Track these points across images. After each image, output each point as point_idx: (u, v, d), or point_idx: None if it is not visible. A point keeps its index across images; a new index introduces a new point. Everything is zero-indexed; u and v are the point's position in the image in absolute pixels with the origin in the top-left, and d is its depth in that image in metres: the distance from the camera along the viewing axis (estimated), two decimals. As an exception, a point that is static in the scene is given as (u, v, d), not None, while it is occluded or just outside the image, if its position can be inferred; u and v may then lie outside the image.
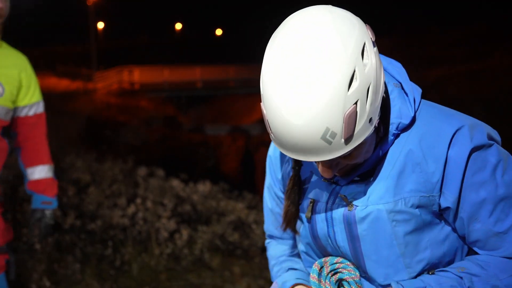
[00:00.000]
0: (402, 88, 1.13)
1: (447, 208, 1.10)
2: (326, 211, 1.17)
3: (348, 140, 0.98)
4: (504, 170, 1.08)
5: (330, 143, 0.98)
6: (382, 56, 1.15)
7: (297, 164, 1.22)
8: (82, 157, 6.34)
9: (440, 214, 1.12)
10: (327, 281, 1.18)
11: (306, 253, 1.28)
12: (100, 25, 28.19)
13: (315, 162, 1.11)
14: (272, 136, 1.04)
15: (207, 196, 5.34)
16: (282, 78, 0.96)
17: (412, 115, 1.11)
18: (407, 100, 1.12)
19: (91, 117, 10.84)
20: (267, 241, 1.48)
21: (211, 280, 4.01)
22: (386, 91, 1.11)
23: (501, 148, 1.11)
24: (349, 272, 1.18)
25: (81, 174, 5.49)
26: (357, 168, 1.12)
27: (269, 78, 0.98)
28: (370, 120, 1.00)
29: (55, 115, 9.27)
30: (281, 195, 1.32)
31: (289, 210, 1.22)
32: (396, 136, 1.11)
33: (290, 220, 1.23)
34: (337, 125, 0.96)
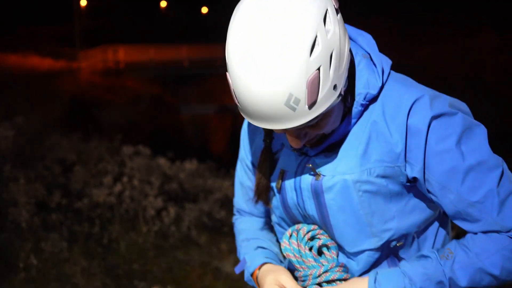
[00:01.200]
0: (371, 59, 1.13)
1: (416, 178, 1.11)
2: (295, 181, 1.18)
3: (312, 106, 0.98)
4: (470, 138, 1.07)
5: (294, 109, 0.98)
6: (352, 28, 1.16)
7: (268, 136, 1.22)
8: (67, 136, 6.29)
9: (409, 186, 1.13)
10: (306, 246, 1.18)
11: (278, 224, 1.29)
12: (83, 2, 27.67)
13: (284, 133, 1.11)
14: (238, 105, 1.04)
15: (194, 174, 5.35)
16: (244, 46, 0.96)
17: (380, 85, 1.10)
18: (375, 71, 1.11)
19: (76, 96, 10.72)
20: (235, 217, 1.47)
21: (199, 257, 4.05)
22: (353, 62, 1.11)
23: (469, 118, 1.10)
24: (326, 238, 1.19)
25: (67, 153, 5.46)
26: (325, 138, 1.13)
27: (232, 46, 0.98)
28: (335, 87, 1.00)
29: (39, 95, 9.15)
30: (253, 168, 1.33)
31: (261, 182, 1.23)
32: (365, 107, 1.11)
33: (261, 192, 1.24)
34: (300, 91, 0.96)
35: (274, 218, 1.30)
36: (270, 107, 0.98)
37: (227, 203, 4.85)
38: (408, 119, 1.07)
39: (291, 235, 1.20)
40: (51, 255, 3.86)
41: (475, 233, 1.09)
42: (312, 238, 1.19)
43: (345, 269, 1.17)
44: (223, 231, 4.58)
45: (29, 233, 4.13)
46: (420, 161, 1.07)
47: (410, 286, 1.06)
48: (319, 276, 1.14)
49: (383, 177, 1.10)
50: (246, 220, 1.43)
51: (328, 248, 1.18)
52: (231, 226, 4.70)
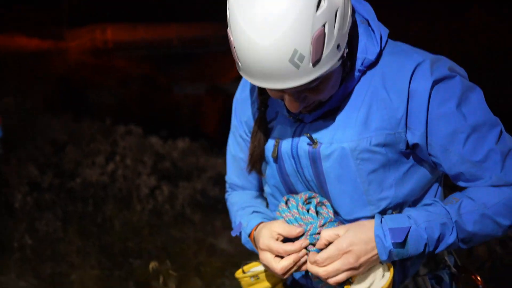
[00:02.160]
0: (369, 25, 1.13)
1: (416, 145, 1.11)
2: (291, 149, 1.17)
3: (316, 64, 0.98)
4: (469, 100, 1.08)
5: (298, 67, 0.97)
6: None
7: (263, 104, 1.21)
8: (58, 116, 6.25)
9: (408, 153, 1.13)
10: (304, 206, 1.17)
11: (272, 195, 1.29)
12: (70, -19, 27.14)
13: (282, 98, 1.10)
14: (239, 65, 1.03)
15: (186, 152, 5.35)
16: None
17: (378, 51, 1.10)
18: (373, 37, 1.11)
19: (65, 76, 10.60)
20: (227, 193, 1.45)
21: (193, 234, 4.07)
22: (353, 26, 1.11)
23: (466, 80, 1.10)
24: (322, 197, 1.19)
25: (58, 134, 5.42)
26: (323, 104, 1.12)
27: (235, 1, 0.97)
28: (338, 46, 1.00)
29: (28, 75, 9.04)
30: (246, 138, 1.32)
31: (255, 151, 1.22)
32: (363, 73, 1.11)
33: (255, 162, 1.22)
34: (305, 47, 0.95)
35: (267, 189, 1.30)
36: (274, 63, 0.97)
37: (221, 180, 4.86)
38: (410, 84, 1.07)
39: (287, 199, 1.21)
40: (46, 235, 3.87)
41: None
42: (309, 200, 1.19)
43: (345, 222, 1.17)
44: (217, 209, 4.60)
45: (22, 213, 4.12)
46: (422, 125, 1.08)
47: (415, 226, 1.06)
48: (319, 227, 1.13)
49: (383, 145, 1.10)
50: (238, 194, 1.42)
51: (324, 206, 1.18)
52: (224, 204, 4.69)
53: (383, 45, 1.11)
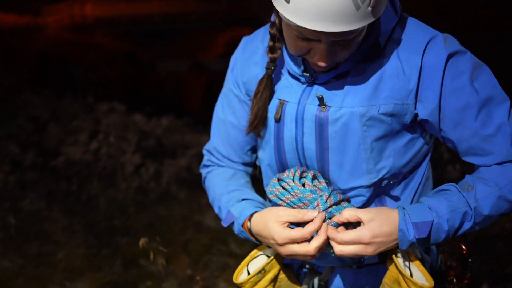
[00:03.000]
0: None
1: (426, 120, 1.11)
2: (297, 112, 1.15)
3: (374, 8, 0.99)
4: (480, 75, 1.09)
5: (358, 8, 0.97)
6: None
7: (273, 64, 1.18)
8: (39, 94, 6.11)
9: (410, 126, 1.13)
10: (299, 183, 1.16)
11: (268, 165, 1.27)
12: (47, -45, 26.36)
13: (307, 52, 1.08)
14: (288, 5, 1.00)
15: (171, 130, 5.30)
16: None
17: (396, 21, 1.11)
18: (391, 6, 1.12)
19: (45, 53, 10.37)
20: (206, 169, 1.40)
21: (179, 212, 4.06)
22: None
23: (475, 57, 1.12)
24: (314, 170, 1.19)
25: (39, 111, 5.32)
26: (337, 66, 1.12)
27: None
28: None
29: (6, 52, 8.80)
30: (244, 99, 1.29)
31: (259, 112, 1.20)
32: (376, 40, 1.11)
33: (258, 123, 1.20)
34: None
35: (260, 153, 1.27)
36: (336, 1, 0.96)
37: (206, 158, 4.84)
38: (423, 57, 1.08)
39: (279, 180, 1.19)
40: (30, 214, 3.82)
41: (489, 166, 1.11)
42: (301, 175, 1.18)
43: (340, 191, 1.17)
44: (202, 186, 4.59)
45: (5, 192, 4.06)
46: (435, 99, 1.08)
47: (438, 219, 1.07)
48: (327, 200, 1.12)
49: (390, 115, 1.10)
50: (220, 172, 1.37)
51: (316, 178, 1.18)
52: (210, 181, 4.72)
53: (398, 16, 1.12)
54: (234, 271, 1.27)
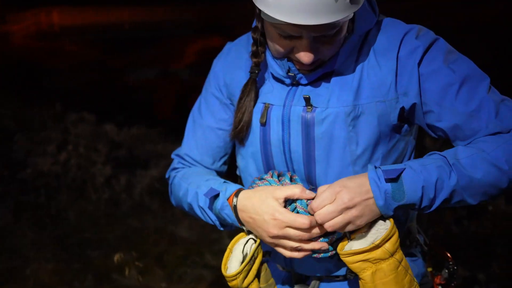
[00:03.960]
0: None
1: (413, 107, 1.11)
2: (283, 114, 1.16)
3: (352, 0, 1.02)
4: (454, 56, 1.11)
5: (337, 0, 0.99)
6: None
7: (257, 67, 1.19)
8: (5, 103, 5.94)
9: (398, 126, 1.14)
10: (279, 182, 1.15)
11: (246, 168, 1.25)
12: (12, -39, 25.82)
13: (291, 51, 1.09)
14: (268, 1, 1.02)
15: (143, 139, 5.22)
16: None
17: (375, 21, 1.14)
18: (370, 7, 1.16)
19: (11, 61, 10.11)
20: (175, 171, 1.36)
21: (153, 223, 3.99)
22: None
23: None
24: (292, 173, 1.18)
25: (6, 121, 5.16)
26: (321, 65, 1.13)
27: None
28: None
29: (-31, 60, 8.55)
30: (226, 102, 1.29)
31: (244, 117, 1.19)
32: (360, 39, 1.14)
33: (242, 127, 1.20)
34: None
35: (241, 162, 1.26)
36: None
37: (179, 168, 4.78)
38: (399, 51, 1.10)
39: (260, 178, 1.18)
40: (-3, 228, 3.70)
41: None
42: (279, 176, 1.18)
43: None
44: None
45: (-30, 206, 3.92)
46: (415, 87, 1.10)
47: (410, 169, 1.04)
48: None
49: (375, 115, 1.11)
50: (193, 169, 1.33)
51: (294, 180, 1.18)
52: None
53: (377, 16, 1.16)
54: (209, 283, 1.22)
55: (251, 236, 1.18)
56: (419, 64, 1.09)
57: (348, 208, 1.04)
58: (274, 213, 1.08)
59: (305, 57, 1.08)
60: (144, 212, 4.17)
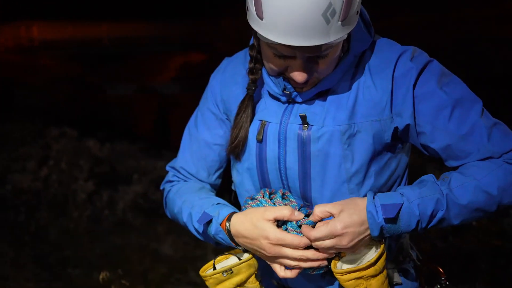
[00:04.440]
0: (362, 17, 1.18)
1: (407, 127, 1.13)
2: (279, 132, 1.17)
3: (344, 21, 1.02)
4: (448, 79, 1.13)
5: (328, 22, 1.01)
6: None
7: (254, 84, 1.20)
8: (-18, 119, 5.83)
9: (391, 145, 1.15)
10: (271, 200, 1.17)
11: (241, 183, 1.25)
12: (-10, -25, 25.57)
13: (285, 70, 1.11)
14: (262, 21, 1.04)
15: (125, 155, 5.17)
16: None
17: (370, 41, 1.16)
18: (365, 28, 1.17)
19: (-12, 76, 9.94)
20: (170, 184, 1.36)
21: (136, 240, 3.93)
22: None
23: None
24: (283, 190, 1.19)
25: (-16, 137, 5.06)
26: (316, 84, 1.14)
27: None
28: (357, 12, 1.06)
29: None
30: (222, 117, 1.30)
31: (240, 133, 1.20)
32: (355, 59, 1.15)
33: (239, 143, 1.21)
34: (339, 2, 1.00)
35: (236, 177, 1.27)
36: (307, 15, 0.99)
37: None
38: (394, 72, 1.12)
39: (252, 198, 1.19)
40: (-26, 246, 3.59)
41: None
42: (271, 195, 1.19)
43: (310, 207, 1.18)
44: (159, 213, 4.47)
45: None
46: (409, 108, 1.11)
47: (408, 203, 1.07)
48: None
49: (370, 134, 1.12)
50: (188, 185, 1.33)
51: (287, 196, 1.19)
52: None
53: (372, 37, 1.17)
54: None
55: (236, 255, 1.20)
56: (414, 86, 1.11)
57: (345, 248, 1.09)
58: (267, 235, 1.10)
59: (298, 76, 1.10)
60: (127, 229, 4.11)
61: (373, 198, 1.08)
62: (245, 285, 1.19)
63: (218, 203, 1.24)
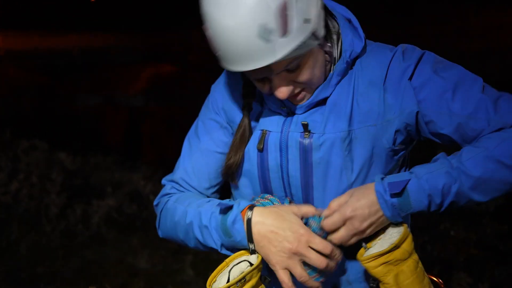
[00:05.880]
0: (351, 24, 1.19)
1: (412, 121, 1.13)
2: (280, 140, 1.16)
3: (284, 35, 1.01)
4: (443, 65, 1.14)
5: (268, 41, 1.00)
6: (328, 0, 1.20)
7: (252, 95, 1.21)
8: None
9: (391, 151, 1.16)
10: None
11: (241, 193, 1.24)
12: (-48, -17, 24.87)
13: (269, 90, 1.12)
14: (219, 54, 1.07)
15: (99, 168, 5.06)
16: None
17: (363, 45, 1.16)
18: (356, 34, 1.17)
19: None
20: (168, 196, 1.31)
21: (111, 254, 3.84)
22: (335, 20, 1.17)
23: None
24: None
25: (-51, 150, 4.88)
26: (313, 94, 1.15)
27: None
28: (306, 21, 1.03)
29: None
30: (226, 125, 1.29)
31: (240, 147, 1.20)
32: (349, 65, 1.15)
33: (232, 165, 1.20)
34: (271, 20, 0.99)
35: (236, 187, 1.25)
36: (243, 41, 1.00)
37: (138, 196, 4.64)
38: (386, 76, 1.13)
39: (261, 196, 1.19)
40: None
41: None
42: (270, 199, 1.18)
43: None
44: (134, 226, 4.38)
45: None
46: (411, 101, 1.12)
47: (416, 179, 1.06)
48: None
49: (368, 139, 1.13)
50: (188, 193, 1.30)
51: (292, 202, 1.19)
52: (143, 220, 4.52)
53: (364, 41, 1.17)
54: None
55: (248, 258, 1.13)
56: (410, 79, 1.12)
57: (360, 231, 1.09)
58: (299, 228, 1.08)
59: (279, 93, 1.10)
60: (101, 243, 4.01)
61: (381, 178, 1.09)
62: None
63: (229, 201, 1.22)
